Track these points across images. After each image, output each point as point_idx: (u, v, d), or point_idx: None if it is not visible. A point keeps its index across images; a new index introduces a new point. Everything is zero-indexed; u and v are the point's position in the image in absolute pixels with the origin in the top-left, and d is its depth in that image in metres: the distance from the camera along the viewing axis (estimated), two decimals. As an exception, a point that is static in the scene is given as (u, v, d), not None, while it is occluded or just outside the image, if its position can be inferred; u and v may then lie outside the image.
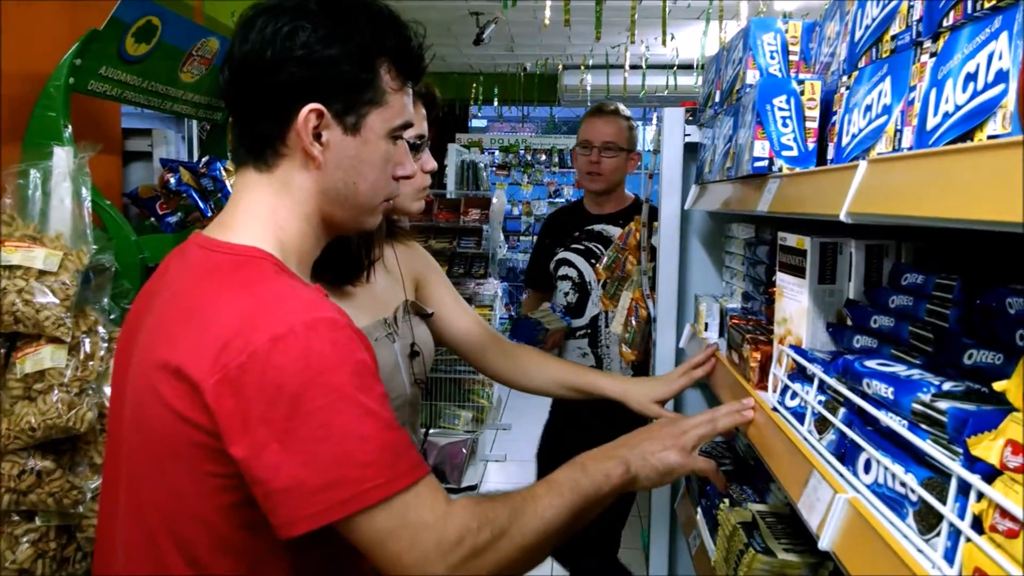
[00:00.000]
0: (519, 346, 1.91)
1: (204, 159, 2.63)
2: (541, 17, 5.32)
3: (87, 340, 1.89)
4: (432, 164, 1.61)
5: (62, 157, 1.93)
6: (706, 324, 1.85)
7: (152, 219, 2.46)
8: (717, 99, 1.80)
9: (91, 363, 1.88)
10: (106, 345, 1.92)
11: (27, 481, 1.82)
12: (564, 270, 2.83)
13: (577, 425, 2.68)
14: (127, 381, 1.01)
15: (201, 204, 2.45)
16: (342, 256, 1.43)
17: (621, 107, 2.78)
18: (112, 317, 1.97)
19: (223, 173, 2.55)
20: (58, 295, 1.83)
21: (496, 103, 9.88)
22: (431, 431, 4.88)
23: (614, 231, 2.70)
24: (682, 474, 1.28)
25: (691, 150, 2.10)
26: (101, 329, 1.92)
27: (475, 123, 12.01)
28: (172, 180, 2.42)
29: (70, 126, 2.02)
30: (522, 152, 10.11)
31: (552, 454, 2.92)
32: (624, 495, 2.53)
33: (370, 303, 1.52)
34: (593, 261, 2.74)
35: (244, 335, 0.88)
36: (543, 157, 10.03)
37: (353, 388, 0.88)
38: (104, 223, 2.12)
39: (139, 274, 2.12)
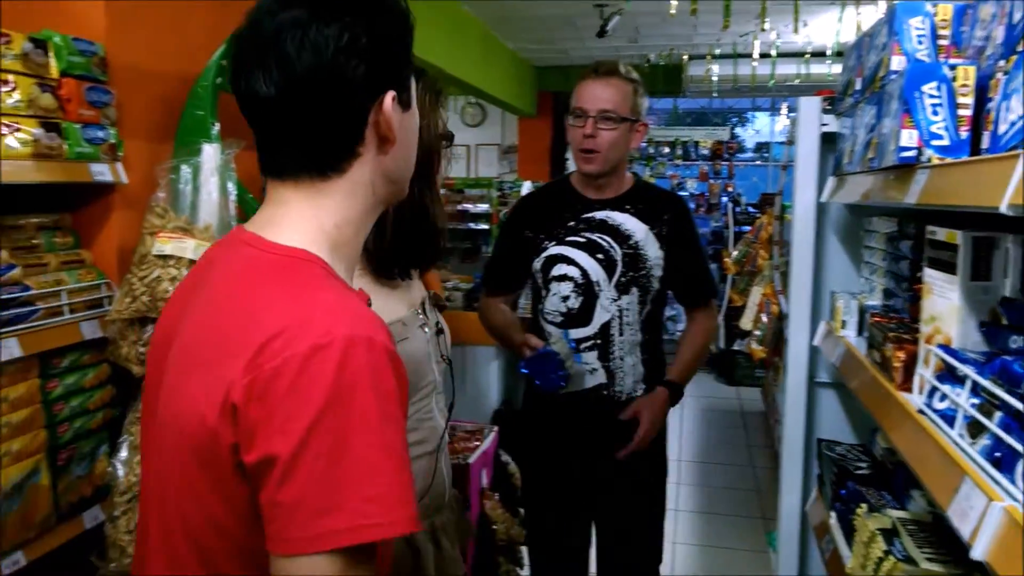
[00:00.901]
0: None
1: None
2: (667, 7, 5.23)
3: (232, 327, 1.99)
4: None
5: (210, 153, 2.04)
6: (843, 322, 1.78)
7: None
8: (858, 87, 1.73)
9: (235, 349, 1.98)
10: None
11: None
12: (561, 269, 2.25)
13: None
14: (163, 374, 0.98)
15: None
16: (428, 244, 1.52)
17: (625, 66, 2.22)
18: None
19: (356, 168, 2.64)
20: (206, 284, 1.93)
21: (619, 95, 9.76)
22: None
23: (622, 219, 2.21)
24: None
25: (827, 140, 2.02)
26: (244, 316, 2.02)
27: (597, 116, 11.90)
28: (309, 175, 2.53)
29: (218, 124, 2.13)
30: (644, 144, 10.00)
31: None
32: (656, 514, 2.33)
33: (407, 294, 1.58)
34: (600, 256, 2.21)
35: (284, 339, 0.84)
36: (666, 149, 9.87)
37: (378, 417, 0.84)
38: (247, 215, 2.23)
39: (278, 265, 2.22)
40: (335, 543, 0.80)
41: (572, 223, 2.24)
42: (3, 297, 1.75)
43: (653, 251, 2.20)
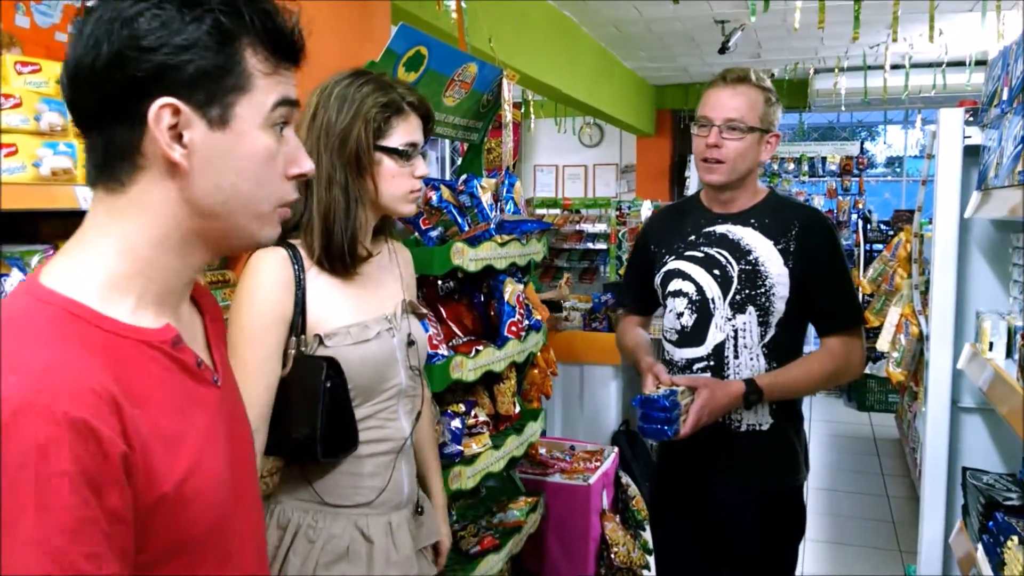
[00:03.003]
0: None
1: (462, 177, 2.79)
2: (791, 20, 5.11)
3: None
4: (423, 170, 1.63)
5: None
6: (990, 343, 1.69)
7: (416, 234, 2.64)
8: (1005, 97, 1.64)
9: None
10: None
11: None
12: (677, 284, 2.14)
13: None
14: None
15: (459, 219, 2.59)
16: (329, 250, 1.53)
17: (757, 73, 2.08)
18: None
19: (479, 190, 2.68)
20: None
21: (740, 112, 9.57)
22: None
23: (743, 233, 2.07)
24: None
25: (970, 154, 1.93)
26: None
27: (717, 133, 11.73)
28: (434, 197, 2.59)
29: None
30: (768, 161, 9.74)
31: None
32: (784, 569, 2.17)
33: (374, 297, 1.61)
34: (717, 272, 2.08)
35: None
36: (791, 166, 9.59)
37: (35, 505, 0.71)
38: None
39: (406, 284, 2.28)
40: None
41: (693, 237, 2.14)
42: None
43: (775, 268, 2.02)
